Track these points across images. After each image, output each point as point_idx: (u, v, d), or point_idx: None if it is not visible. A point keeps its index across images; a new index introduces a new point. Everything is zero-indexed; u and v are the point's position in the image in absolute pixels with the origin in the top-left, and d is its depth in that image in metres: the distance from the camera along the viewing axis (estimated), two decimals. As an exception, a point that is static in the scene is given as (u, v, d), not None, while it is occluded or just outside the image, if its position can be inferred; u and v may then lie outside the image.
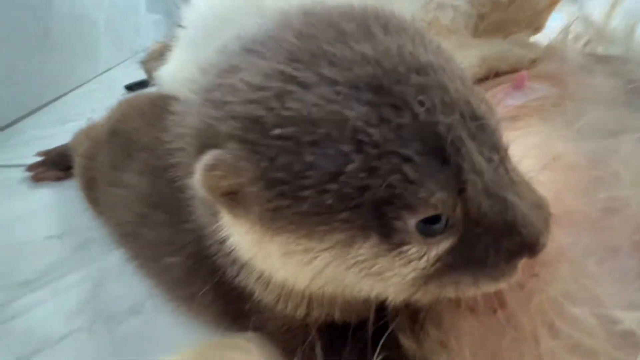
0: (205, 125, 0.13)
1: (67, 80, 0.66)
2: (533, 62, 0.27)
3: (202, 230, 0.19)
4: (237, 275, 0.18)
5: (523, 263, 0.13)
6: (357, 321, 0.17)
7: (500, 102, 0.25)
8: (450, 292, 0.14)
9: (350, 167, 0.11)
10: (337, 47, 0.12)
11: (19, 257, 0.32)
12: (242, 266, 0.17)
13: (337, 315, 0.17)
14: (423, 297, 0.14)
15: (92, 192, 0.33)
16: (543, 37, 0.31)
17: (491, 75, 0.27)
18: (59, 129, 0.54)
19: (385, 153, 0.11)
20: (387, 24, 0.13)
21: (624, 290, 0.14)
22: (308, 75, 0.11)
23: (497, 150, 0.12)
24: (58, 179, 0.42)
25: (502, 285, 0.13)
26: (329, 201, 0.11)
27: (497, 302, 0.15)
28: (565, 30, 0.28)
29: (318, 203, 0.11)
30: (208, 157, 0.12)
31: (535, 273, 0.15)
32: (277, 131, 0.11)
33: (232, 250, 0.15)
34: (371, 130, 0.11)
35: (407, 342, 0.17)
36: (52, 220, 0.36)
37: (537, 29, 0.32)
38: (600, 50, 0.27)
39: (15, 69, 0.54)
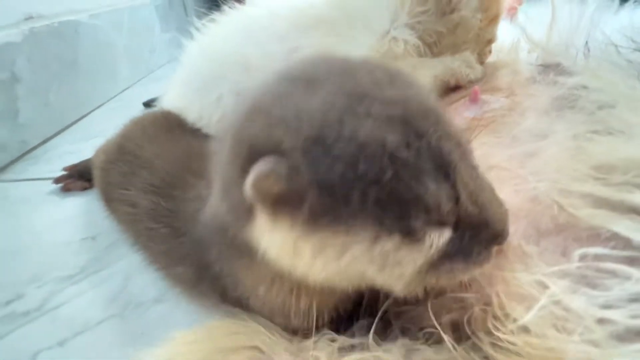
0: (264, 134, 0.15)
1: (92, 100, 0.72)
2: (471, 82, 0.32)
3: (202, 242, 0.23)
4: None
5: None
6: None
7: (459, 114, 0.30)
8: (445, 281, 0.17)
9: (386, 177, 0.14)
10: (376, 90, 0.15)
11: (61, 256, 0.38)
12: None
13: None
14: (421, 287, 0.18)
15: (109, 203, 0.37)
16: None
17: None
18: (84, 144, 0.60)
19: (410, 167, 0.14)
20: (396, 77, 0.17)
21: (553, 264, 0.18)
22: (361, 109, 0.15)
23: (474, 168, 0.16)
24: (84, 188, 0.47)
25: (485, 268, 0.17)
26: (369, 201, 0.14)
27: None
28: (516, 47, 0.32)
29: (361, 203, 0.14)
30: (265, 162, 0.14)
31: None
32: (337, 147, 0.14)
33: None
34: (401, 150, 0.14)
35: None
36: (85, 225, 0.42)
37: (489, 41, 0.36)
38: (549, 60, 0.31)
39: (49, 92, 0.60)
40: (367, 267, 0.16)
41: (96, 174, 0.40)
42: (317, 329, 0.20)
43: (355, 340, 0.19)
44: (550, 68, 0.29)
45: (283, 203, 0.15)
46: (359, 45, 0.33)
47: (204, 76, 0.38)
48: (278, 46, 0.34)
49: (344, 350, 0.19)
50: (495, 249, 0.17)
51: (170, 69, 0.98)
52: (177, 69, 0.44)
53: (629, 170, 0.17)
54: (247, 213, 0.17)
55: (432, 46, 0.35)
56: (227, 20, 0.40)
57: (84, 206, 0.45)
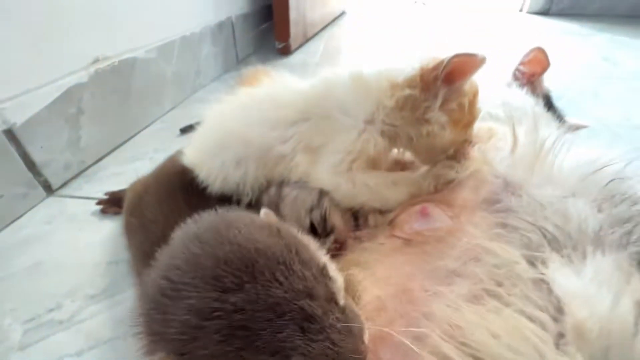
0: (151, 343, 0.22)
1: (139, 122, 0.84)
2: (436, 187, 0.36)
3: None
4: None
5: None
6: None
7: (408, 223, 0.34)
8: None
9: None
10: (221, 300, 0.20)
11: (91, 275, 0.48)
12: None
13: None
14: None
15: (126, 237, 0.46)
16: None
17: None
18: (129, 167, 0.71)
19: None
20: (253, 268, 0.21)
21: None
22: (207, 326, 0.20)
23: (322, 329, 0.21)
24: (116, 213, 0.58)
25: None
26: None
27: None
28: (484, 157, 0.35)
29: None
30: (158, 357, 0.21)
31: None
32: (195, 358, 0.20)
33: None
34: (243, 353, 0.20)
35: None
36: (113, 249, 0.52)
37: (465, 142, 0.39)
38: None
39: (106, 118, 0.73)
40: None
41: (123, 211, 0.50)
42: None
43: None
44: (502, 197, 0.32)
45: None
46: (337, 144, 0.38)
47: (212, 144, 0.45)
48: (271, 132, 0.41)
49: None
50: None
51: (212, 89, 1.09)
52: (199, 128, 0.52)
53: (481, 349, 0.21)
54: None
55: (407, 146, 0.39)
56: (236, 96, 0.47)
57: (115, 231, 0.55)
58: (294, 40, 1.42)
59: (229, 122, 0.45)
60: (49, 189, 0.63)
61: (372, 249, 0.36)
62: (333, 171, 0.38)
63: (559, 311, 0.21)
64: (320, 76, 0.43)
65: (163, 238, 0.34)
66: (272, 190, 0.42)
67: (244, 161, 0.42)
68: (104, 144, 0.74)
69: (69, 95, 0.63)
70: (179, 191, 0.44)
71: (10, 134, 0.55)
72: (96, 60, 0.69)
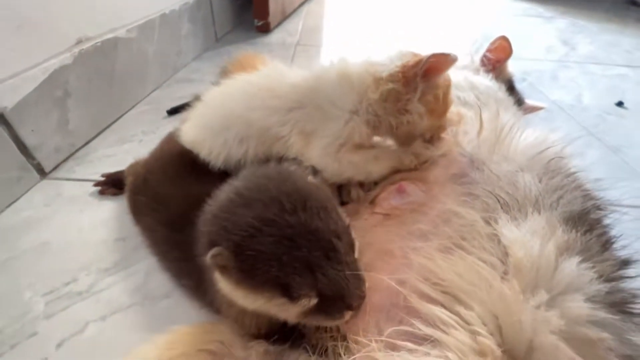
0: (214, 236, 0.28)
1: (124, 103, 0.84)
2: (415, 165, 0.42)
3: (201, 267, 0.36)
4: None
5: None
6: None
7: (386, 200, 0.40)
8: (314, 323, 0.31)
9: (273, 272, 0.27)
10: (279, 216, 0.27)
11: (101, 252, 0.52)
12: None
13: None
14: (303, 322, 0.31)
15: (136, 219, 0.50)
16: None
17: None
18: (119, 149, 0.73)
19: (286, 268, 0.26)
20: (305, 203, 0.28)
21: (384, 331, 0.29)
22: (265, 230, 0.27)
23: (340, 262, 0.28)
24: (114, 194, 0.61)
25: (337, 323, 0.30)
26: (264, 279, 0.27)
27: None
28: (455, 139, 0.42)
29: (259, 279, 0.27)
30: (215, 250, 0.27)
31: (355, 316, 0.30)
32: (248, 252, 0.27)
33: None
34: (284, 257, 0.26)
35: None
36: (118, 227, 0.55)
37: (440, 127, 0.45)
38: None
39: (91, 100, 0.73)
40: (269, 310, 0.30)
41: (126, 193, 0.53)
42: (257, 337, 0.33)
43: (271, 348, 0.32)
44: (468, 172, 0.39)
45: (224, 270, 0.28)
46: (326, 131, 0.43)
47: (215, 123, 0.49)
48: (271, 117, 0.45)
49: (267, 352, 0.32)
50: (349, 313, 0.29)
51: (193, 69, 1.09)
52: (197, 106, 0.55)
53: (449, 285, 0.28)
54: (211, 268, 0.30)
55: (388, 132, 0.44)
56: (236, 81, 0.50)
57: (116, 210, 0.58)
58: (273, 18, 1.41)
59: (231, 104, 0.48)
60: (42, 172, 0.64)
61: (356, 226, 0.42)
62: (322, 153, 0.44)
63: (504, 255, 0.28)
64: (312, 70, 0.47)
65: (184, 205, 0.40)
66: (272, 165, 0.47)
67: (246, 139, 0.47)
68: (92, 126, 0.74)
69: (55, 78, 0.63)
70: (184, 168, 0.48)
71: (1, 118, 0.55)
72: (79, 41, 0.68)
